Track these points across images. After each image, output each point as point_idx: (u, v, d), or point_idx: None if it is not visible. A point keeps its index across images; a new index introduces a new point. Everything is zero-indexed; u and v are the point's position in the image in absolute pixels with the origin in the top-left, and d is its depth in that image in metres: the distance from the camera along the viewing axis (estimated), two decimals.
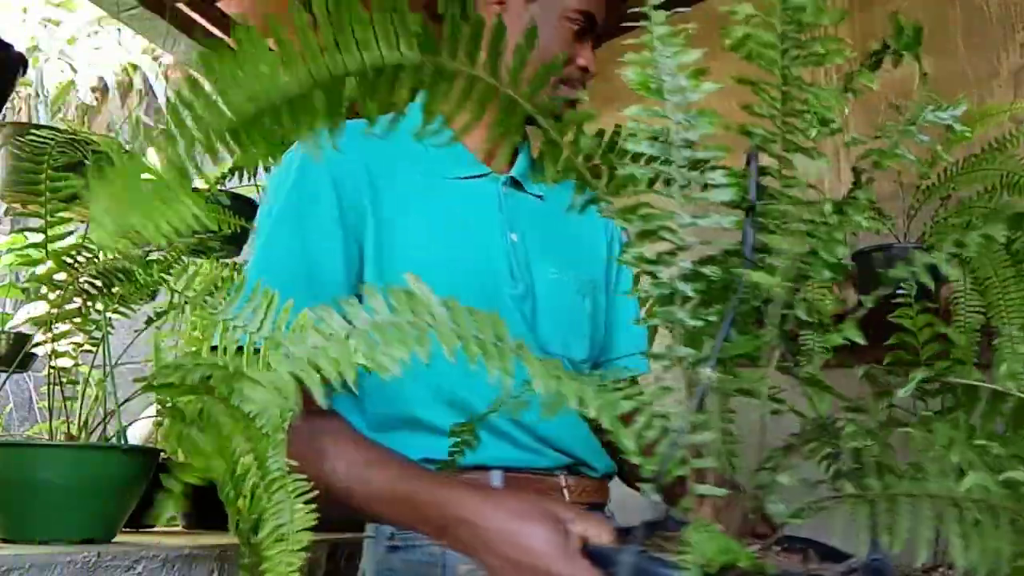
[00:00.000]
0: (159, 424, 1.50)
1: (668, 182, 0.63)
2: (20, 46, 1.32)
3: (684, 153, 0.62)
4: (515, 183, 1.04)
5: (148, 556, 0.91)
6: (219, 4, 2.44)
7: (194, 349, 1.46)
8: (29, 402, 3.50)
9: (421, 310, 0.54)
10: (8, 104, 1.42)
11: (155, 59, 3.71)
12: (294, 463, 0.69)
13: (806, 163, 0.62)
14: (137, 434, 1.61)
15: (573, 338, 1.05)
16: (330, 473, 0.81)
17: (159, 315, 1.21)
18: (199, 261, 1.46)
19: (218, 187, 1.19)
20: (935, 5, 2.52)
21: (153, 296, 1.07)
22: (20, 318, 2.25)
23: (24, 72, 1.32)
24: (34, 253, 1.08)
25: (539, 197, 1.07)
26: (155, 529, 1.47)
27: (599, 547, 0.64)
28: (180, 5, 2.33)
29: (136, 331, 1.22)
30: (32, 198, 1.09)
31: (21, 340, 2.24)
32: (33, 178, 1.07)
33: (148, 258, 1.00)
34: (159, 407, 1.11)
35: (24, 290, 2.25)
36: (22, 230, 2.08)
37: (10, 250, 2.07)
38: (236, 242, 1.92)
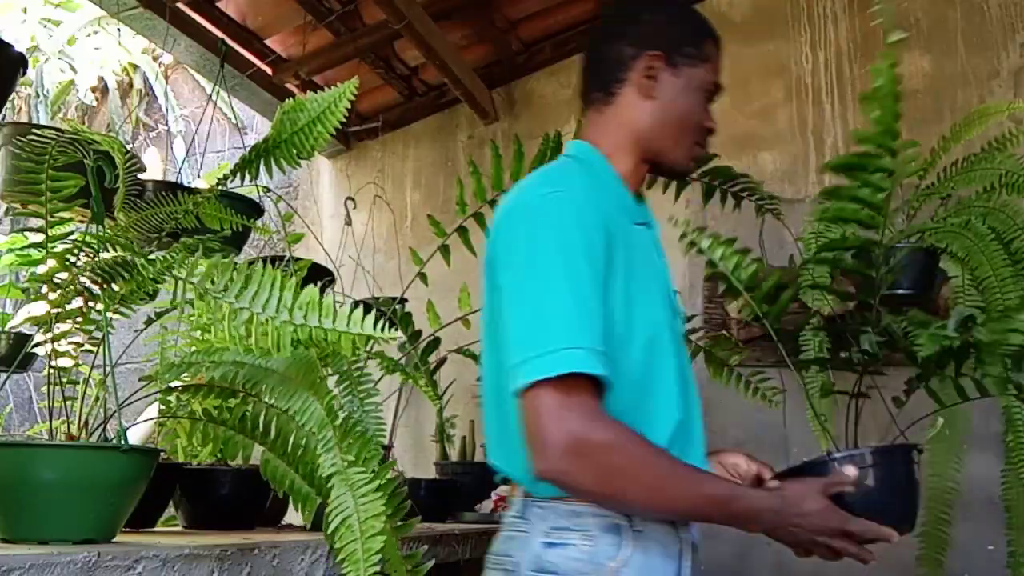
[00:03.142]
0: (161, 424, 1.50)
1: None
2: (20, 46, 1.32)
3: None
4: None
5: (148, 556, 0.91)
6: (219, 4, 2.45)
7: (196, 349, 1.46)
8: (29, 402, 3.50)
9: None
10: (8, 104, 1.42)
11: (155, 59, 3.71)
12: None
13: None
14: (137, 434, 1.61)
15: None
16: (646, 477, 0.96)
17: (159, 314, 1.20)
18: (201, 260, 1.46)
19: (220, 188, 1.19)
20: (935, 5, 2.53)
21: (153, 296, 1.07)
22: (20, 318, 2.25)
23: (24, 72, 1.32)
24: (34, 253, 1.08)
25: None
26: (155, 529, 1.47)
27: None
28: (180, 5, 2.33)
29: (136, 331, 1.22)
30: (32, 198, 1.08)
31: (21, 340, 2.24)
32: (33, 178, 1.07)
33: (149, 257, 1.00)
34: (162, 407, 1.12)
35: (24, 290, 2.25)
36: (22, 230, 2.09)
37: (10, 250, 2.08)
38: (236, 242, 1.92)
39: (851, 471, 1.04)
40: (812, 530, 1.00)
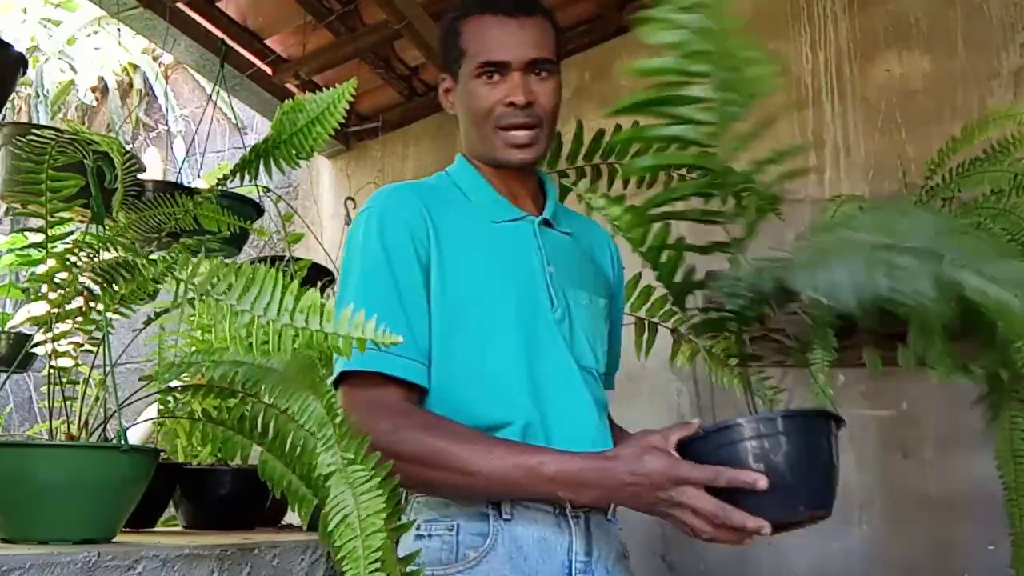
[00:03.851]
0: (161, 424, 1.50)
1: None
2: (20, 46, 1.32)
3: None
4: (547, 223, 1.20)
5: (148, 556, 0.91)
6: (219, 4, 2.45)
7: (196, 349, 1.46)
8: (29, 402, 3.50)
9: None
10: (8, 104, 1.42)
11: (155, 59, 3.71)
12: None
13: None
14: (137, 434, 1.61)
15: (599, 354, 1.20)
16: (450, 457, 0.98)
17: (159, 314, 1.21)
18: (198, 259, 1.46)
19: (219, 188, 1.19)
20: (935, 5, 2.52)
21: (153, 296, 1.07)
22: (20, 318, 2.25)
23: (24, 72, 1.32)
24: (34, 253, 1.08)
25: (567, 234, 1.24)
26: (155, 529, 1.47)
27: (686, 443, 0.94)
28: (180, 5, 2.33)
29: (136, 331, 1.22)
30: (32, 198, 1.08)
31: (21, 340, 2.24)
32: (33, 178, 1.07)
33: (150, 257, 1.00)
34: (161, 407, 1.12)
35: (24, 290, 2.25)
36: (22, 230, 2.09)
37: (10, 250, 2.08)
38: (236, 243, 1.92)
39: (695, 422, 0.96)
40: (651, 486, 0.91)
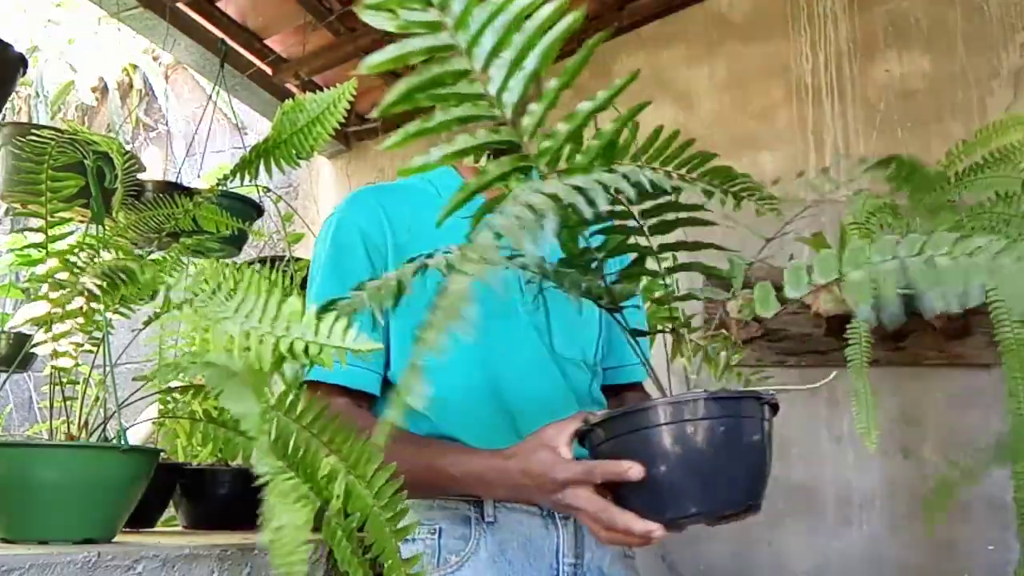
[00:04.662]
0: (160, 424, 1.50)
1: None
2: (20, 46, 1.32)
3: None
4: None
5: (148, 556, 0.91)
6: (219, 4, 2.45)
7: (193, 349, 1.46)
8: (29, 402, 3.50)
9: None
10: (8, 104, 1.42)
11: (155, 59, 3.71)
12: None
13: None
14: (137, 434, 1.61)
15: (586, 342, 1.16)
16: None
17: (158, 315, 1.21)
18: (197, 262, 1.46)
19: (219, 188, 1.19)
20: (935, 5, 2.53)
21: (153, 296, 1.07)
22: (20, 318, 2.25)
23: (24, 72, 1.32)
24: (34, 253, 1.08)
25: None
26: (155, 529, 1.47)
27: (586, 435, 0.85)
28: (180, 5, 2.33)
29: (135, 331, 1.22)
30: (32, 198, 1.08)
31: (21, 340, 2.24)
32: (33, 178, 1.07)
33: (149, 258, 1.00)
34: (161, 407, 1.12)
35: (24, 290, 2.25)
36: (22, 230, 2.09)
37: (10, 250, 2.08)
38: (236, 243, 1.92)
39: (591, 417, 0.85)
40: (540, 488, 0.85)
